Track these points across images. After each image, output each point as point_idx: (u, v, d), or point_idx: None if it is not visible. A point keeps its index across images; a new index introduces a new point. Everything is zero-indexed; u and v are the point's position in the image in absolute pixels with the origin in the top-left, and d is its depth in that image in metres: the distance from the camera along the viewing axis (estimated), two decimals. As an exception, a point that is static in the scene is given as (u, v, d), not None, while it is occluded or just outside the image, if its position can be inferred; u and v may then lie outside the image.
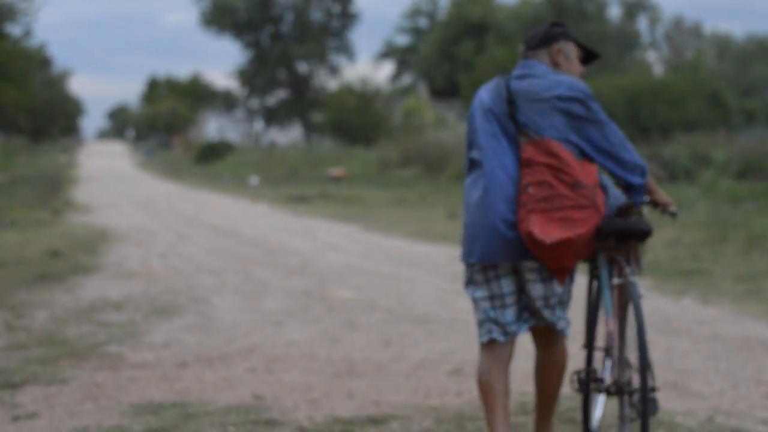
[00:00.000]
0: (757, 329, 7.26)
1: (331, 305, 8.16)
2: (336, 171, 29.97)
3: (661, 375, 5.65)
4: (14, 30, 29.08)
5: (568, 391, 5.21)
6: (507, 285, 3.88)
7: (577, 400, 5.01)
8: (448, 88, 57.10)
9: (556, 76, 3.90)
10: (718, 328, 7.31)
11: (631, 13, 53.14)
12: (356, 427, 4.46)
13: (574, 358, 4.43)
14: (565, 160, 3.76)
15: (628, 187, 3.93)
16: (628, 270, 3.92)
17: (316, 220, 16.65)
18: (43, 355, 6.03)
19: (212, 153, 45.74)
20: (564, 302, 3.93)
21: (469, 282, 3.92)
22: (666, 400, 5.04)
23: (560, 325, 3.93)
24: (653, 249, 11.96)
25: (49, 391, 5.14)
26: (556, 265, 3.81)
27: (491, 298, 3.88)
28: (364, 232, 14.51)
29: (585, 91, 3.90)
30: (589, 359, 4.06)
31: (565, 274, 3.85)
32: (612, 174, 3.93)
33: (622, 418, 3.97)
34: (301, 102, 67.59)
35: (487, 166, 3.82)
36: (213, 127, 75.18)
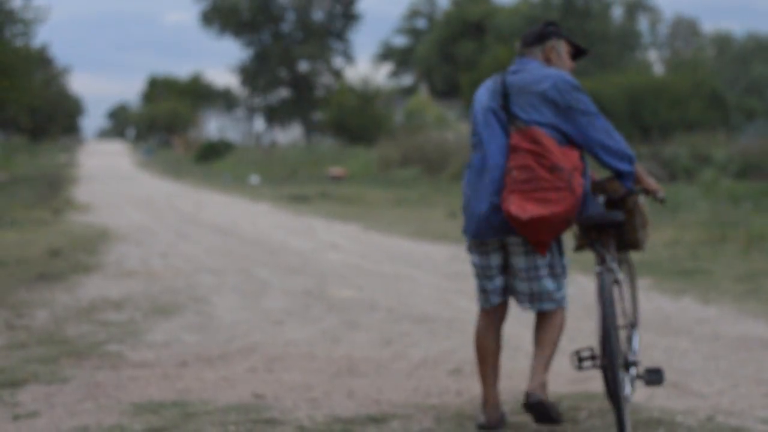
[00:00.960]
0: (757, 329, 7.27)
1: (332, 304, 8.17)
2: (336, 170, 29.98)
3: (661, 374, 5.67)
4: (16, 29, 29.11)
5: (566, 391, 5.22)
6: (495, 259, 4.44)
7: (576, 398, 5.02)
8: (448, 89, 57.09)
9: (546, 69, 4.36)
10: (718, 327, 7.31)
11: (632, 12, 53.14)
12: (356, 427, 4.46)
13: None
14: (546, 146, 4.22)
15: (618, 175, 4.35)
16: (608, 258, 4.38)
17: (316, 219, 16.65)
18: (44, 354, 6.04)
19: (212, 152, 45.77)
20: (557, 274, 4.43)
21: (470, 249, 4.50)
22: (666, 400, 5.05)
23: (542, 304, 4.45)
24: (653, 248, 11.96)
25: (50, 390, 5.15)
26: (534, 238, 4.29)
27: (482, 267, 4.47)
28: (364, 232, 14.51)
29: (574, 83, 4.33)
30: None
31: (545, 247, 4.33)
32: (601, 161, 4.32)
33: (619, 391, 4.26)
34: (301, 101, 67.59)
35: (481, 154, 4.35)
36: (213, 126, 75.19)
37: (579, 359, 4.44)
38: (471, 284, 9.44)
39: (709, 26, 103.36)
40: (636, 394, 5.11)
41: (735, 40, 61.84)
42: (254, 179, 29.66)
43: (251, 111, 74.00)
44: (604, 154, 4.30)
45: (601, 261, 4.40)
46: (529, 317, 6.69)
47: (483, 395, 4.49)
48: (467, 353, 6.22)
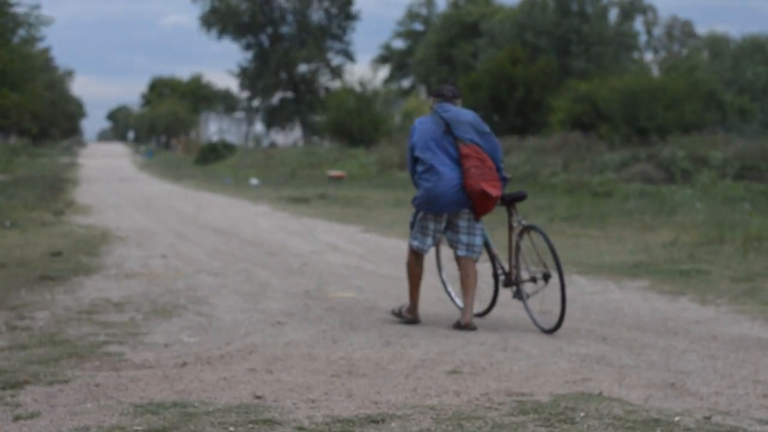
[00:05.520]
0: (755, 329, 7.30)
1: (331, 305, 8.19)
2: (336, 172, 29.99)
3: (658, 375, 5.70)
4: (22, 36, 29.18)
5: (564, 391, 5.25)
6: (440, 225, 7.29)
7: (573, 399, 5.05)
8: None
9: (463, 110, 7.32)
10: (715, 328, 7.35)
11: (627, 14, 53.09)
12: (356, 427, 4.49)
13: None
14: (483, 156, 7.15)
15: (498, 170, 7.28)
16: (515, 218, 7.42)
17: (315, 220, 16.68)
18: (45, 355, 6.06)
19: (212, 154, 45.79)
20: (481, 234, 7.32)
21: (422, 219, 7.26)
22: (663, 400, 5.07)
23: (473, 253, 7.28)
24: (651, 250, 11.99)
25: (51, 390, 5.17)
26: (483, 209, 7.17)
27: (434, 230, 7.28)
28: (363, 233, 14.54)
29: (480, 119, 7.35)
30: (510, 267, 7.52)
31: (482, 215, 7.24)
32: (497, 166, 7.25)
33: (522, 296, 7.46)
34: (301, 103, 67.57)
35: (438, 160, 7.12)
36: (213, 128, 75.16)
37: (503, 273, 7.47)
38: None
39: (703, 28, 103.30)
40: (634, 394, 5.15)
41: (731, 42, 61.82)
42: (254, 181, 29.67)
43: (251, 113, 73.98)
44: (498, 161, 7.26)
45: (510, 218, 7.43)
46: (529, 321, 7.22)
47: (411, 303, 7.34)
48: (466, 354, 6.25)
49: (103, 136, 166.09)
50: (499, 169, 7.22)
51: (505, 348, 6.47)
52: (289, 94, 69.36)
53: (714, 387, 5.40)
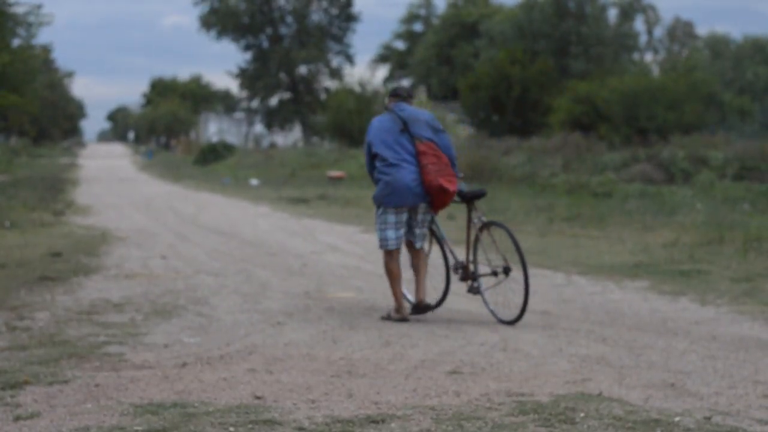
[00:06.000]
0: (755, 330, 7.30)
1: (331, 306, 8.19)
2: (335, 172, 29.99)
3: (658, 375, 5.70)
4: (20, 35, 29.19)
5: (564, 392, 5.25)
6: (405, 217, 7.57)
7: (573, 399, 5.05)
8: (445, 91, 57.04)
9: (418, 109, 7.69)
10: (715, 328, 7.35)
11: (627, 15, 53.06)
12: (355, 427, 4.49)
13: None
14: (439, 152, 7.51)
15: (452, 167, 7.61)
16: (476, 215, 7.76)
17: (315, 221, 16.68)
18: (45, 356, 6.06)
19: (212, 155, 45.77)
20: (438, 227, 7.81)
21: (383, 214, 7.55)
22: (664, 400, 5.07)
23: (419, 242, 7.69)
24: (651, 250, 11.99)
25: (51, 391, 5.17)
26: (441, 203, 7.57)
27: (396, 222, 7.55)
28: (363, 233, 14.54)
29: (434, 117, 7.75)
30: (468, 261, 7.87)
31: (441, 209, 7.66)
32: (452, 162, 7.57)
33: (479, 290, 7.81)
34: (300, 104, 67.55)
35: (397, 157, 7.47)
36: (213, 129, 75.14)
37: (456, 269, 7.89)
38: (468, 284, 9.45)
39: (704, 29, 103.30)
40: (634, 394, 5.15)
41: (731, 43, 61.85)
42: (254, 181, 29.67)
43: (251, 114, 73.96)
44: (453, 159, 7.61)
45: (469, 214, 7.80)
46: (529, 321, 7.09)
47: (397, 303, 7.58)
48: (466, 354, 6.25)
49: (103, 137, 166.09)
50: (453, 166, 7.56)
51: (505, 348, 6.47)
52: (289, 95, 69.34)
53: (714, 387, 5.40)
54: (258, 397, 5.05)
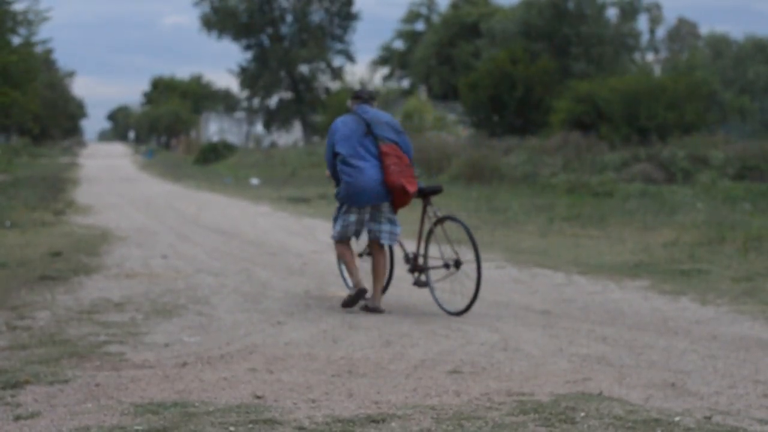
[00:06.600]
0: (755, 329, 7.30)
1: (331, 305, 8.20)
2: (336, 172, 29.93)
3: (659, 374, 5.70)
4: (20, 33, 29.19)
5: (564, 391, 5.25)
6: (365, 215, 7.94)
7: (573, 398, 5.05)
8: (446, 91, 57.00)
9: (380, 111, 8.02)
10: (715, 328, 7.35)
11: (627, 15, 53.02)
12: (356, 427, 4.49)
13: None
14: (400, 153, 7.83)
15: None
16: (431, 210, 8.12)
17: (316, 220, 16.68)
18: (45, 355, 6.06)
19: (213, 154, 45.78)
20: (397, 224, 8.02)
21: (346, 212, 7.94)
22: (664, 400, 5.07)
23: (393, 241, 8.01)
24: (652, 250, 11.99)
25: (51, 390, 5.17)
26: (401, 202, 7.91)
27: (356, 222, 7.93)
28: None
29: (395, 119, 8.03)
30: (417, 254, 8.26)
31: (401, 208, 7.97)
32: (411, 162, 7.91)
33: (428, 283, 8.15)
34: (301, 103, 67.55)
35: (360, 157, 7.77)
36: (214, 128, 75.12)
37: (407, 259, 8.26)
38: (469, 284, 9.46)
39: (705, 28, 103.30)
40: (635, 394, 5.15)
41: (733, 42, 61.81)
42: (254, 181, 29.67)
43: (251, 113, 73.94)
44: (411, 160, 7.90)
45: (424, 212, 8.12)
46: (529, 321, 6.93)
47: (354, 281, 7.93)
48: (466, 354, 6.25)
49: (104, 137, 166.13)
50: (412, 166, 7.95)
51: (505, 348, 6.47)
52: (289, 95, 69.33)
53: (714, 387, 5.40)
54: (258, 397, 5.05)
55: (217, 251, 12.12)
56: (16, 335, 6.75)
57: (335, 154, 7.90)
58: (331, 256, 11.70)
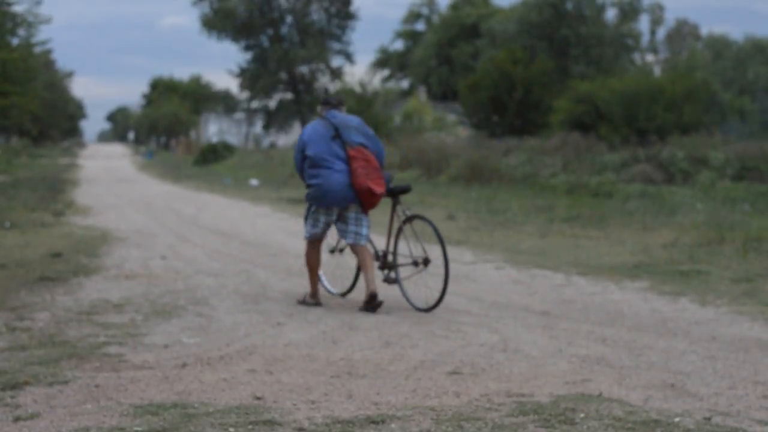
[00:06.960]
0: (754, 330, 7.30)
1: (331, 306, 8.19)
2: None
3: (658, 375, 5.70)
4: (20, 34, 29.22)
5: (564, 392, 5.25)
6: (333, 217, 8.20)
7: (573, 399, 5.05)
8: (445, 92, 57.00)
9: (348, 115, 8.29)
10: (715, 329, 7.35)
11: (627, 15, 53.05)
12: (356, 428, 4.49)
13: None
14: (369, 156, 8.10)
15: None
16: (401, 209, 8.43)
17: (315, 221, 16.65)
18: (44, 356, 6.06)
19: (213, 155, 45.77)
20: (366, 226, 8.23)
21: (315, 212, 8.23)
22: (663, 401, 5.07)
23: (360, 241, 8.19)
24: (651, 250, 11.99)
25: (50, 391, 5.17)
26: (370, 204, 8.12)
27: (325, 222, 8.22)
28: (363, 234, 14.52)
29: (364, 123, 8.34)
30: (389, 252, 8.48)
31: (369, 210, 8.18)
32: (381, 165, 8.17)
33: (397, 280, 8.40)
34: (300, 104, 67.56)
35: (328, 161, 8.04)
36: (213, 129, 75.13)
37: (377, 257, 8.38)
38: (469, 284, 9.46)
39: (704, 29, 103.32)
40: (634, 395, 5.15)
41: (733, 43, 61.86)
42: (254, 182, 29.67)
43: (251, 114, 73.94)
44: (382, 161, 8.19)
45: (393, 211, 8.43)
46: (529, 322, 6.99)
47: (313, 289, 8.28)
48: (466, 355, 6.25)
49: (103, 137, 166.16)
50: (382, 167, 8.20)
51: (505, 349, 6.47)
52: (289, 95, 69.33)
53: (714, 388, 5.40)
54: (258, 398, 5.05)
55: (217, 252, 12.12)
56: (16, 336, 6.75)
57: (304, 158, 8.19)
58: (331, 257, 11.68)
